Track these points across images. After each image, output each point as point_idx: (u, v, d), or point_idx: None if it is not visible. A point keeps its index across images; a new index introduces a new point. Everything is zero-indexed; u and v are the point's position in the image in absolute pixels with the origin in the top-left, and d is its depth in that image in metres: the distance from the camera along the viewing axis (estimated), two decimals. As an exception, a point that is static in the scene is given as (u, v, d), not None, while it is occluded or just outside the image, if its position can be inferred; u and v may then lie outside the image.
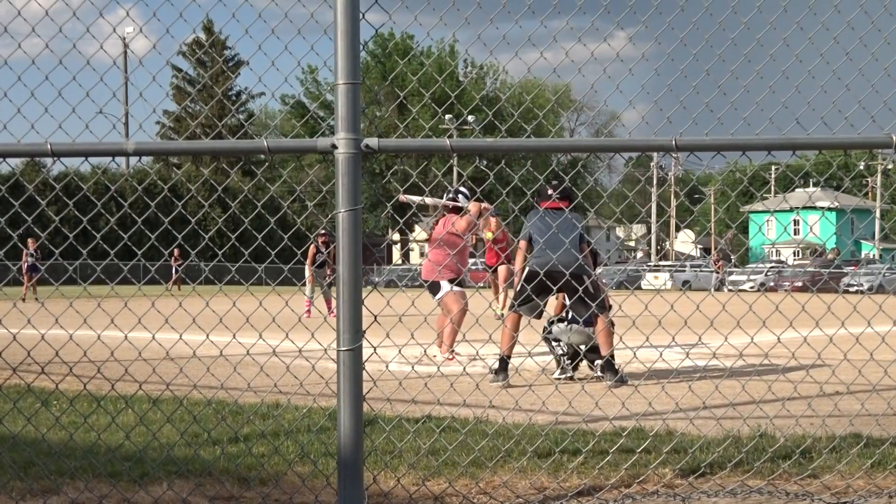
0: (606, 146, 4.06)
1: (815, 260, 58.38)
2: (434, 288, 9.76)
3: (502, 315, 14.34)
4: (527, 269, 8.28)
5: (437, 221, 10.21)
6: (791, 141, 3.72)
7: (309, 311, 17.75)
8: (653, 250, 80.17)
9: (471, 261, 14.36)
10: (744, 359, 8.55)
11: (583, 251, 8.30)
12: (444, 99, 60.55)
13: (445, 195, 10.36)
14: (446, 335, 9.83)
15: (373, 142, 3.52)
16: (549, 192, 8.52)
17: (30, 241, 26.72)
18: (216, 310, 4.18)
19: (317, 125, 50.29)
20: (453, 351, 9.78)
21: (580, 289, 7.44)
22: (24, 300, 24.39)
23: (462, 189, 10.37)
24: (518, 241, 8.64)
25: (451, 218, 10.01)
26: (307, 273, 18.92)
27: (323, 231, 18.60)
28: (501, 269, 15.80)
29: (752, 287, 44.93)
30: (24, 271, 27.05)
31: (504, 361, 8.19)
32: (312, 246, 18.66)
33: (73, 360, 5.05)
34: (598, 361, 8.72)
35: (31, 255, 27.02)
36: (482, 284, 18.97)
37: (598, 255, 9.44)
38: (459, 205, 10.08)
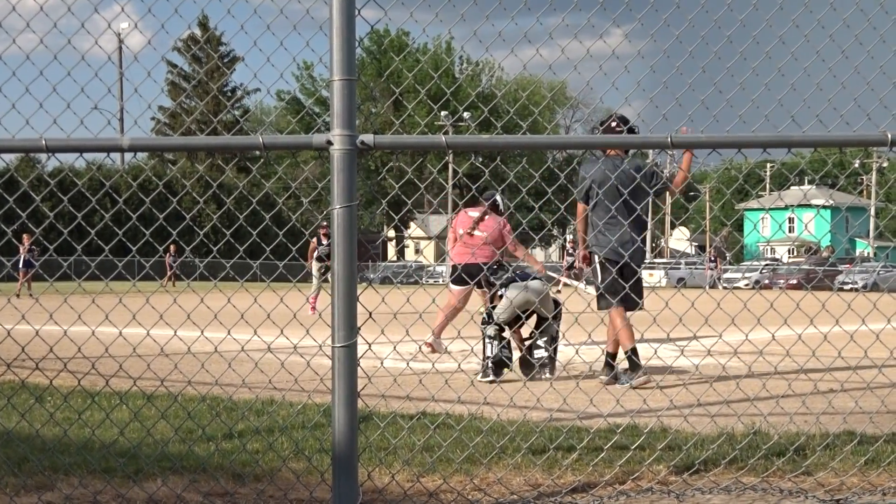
0: (602, 143, 4.06)
1: (809, 258, 58.47)
2: (488, 275, 9.44)
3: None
4: (599, 256, 7.31)
5: (480, 218, 10.32)
6: (786, 138, 3.72)
7: (314, 307, 17.71)
8: (648, 247, 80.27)
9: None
10: (738, 356, 8.56)
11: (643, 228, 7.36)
12: (439, 95, 60.28)
13: (483, 197, 10.61)
14: (438, 323, 9.69)
15: (368, 138, 3.52)
16: (613, 124, 7.46)
17: (25, 236, 26.70)
18: (211, 306, 4.16)
19: (312, 121, 50.22)
20: (438, 340, 9.65)
21: (636, 276, 6.84)
22: (18, 296, 24.38)
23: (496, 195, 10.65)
24: (578, 203, 7.60)
25: (491, 217, 10.23)
26: (310, 266, 18.89)
27: (325, 223, 18.56)
28: None
29: (746, 284, 45.01)
30: (20, 266, 27.05)
31: (611, 359, 7.40)
32: (314, 239, 18.60)
33: (68, 356, 5.04)
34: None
35: (29, 251, 27.01)
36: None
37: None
38: (499, 206, 10.37)
